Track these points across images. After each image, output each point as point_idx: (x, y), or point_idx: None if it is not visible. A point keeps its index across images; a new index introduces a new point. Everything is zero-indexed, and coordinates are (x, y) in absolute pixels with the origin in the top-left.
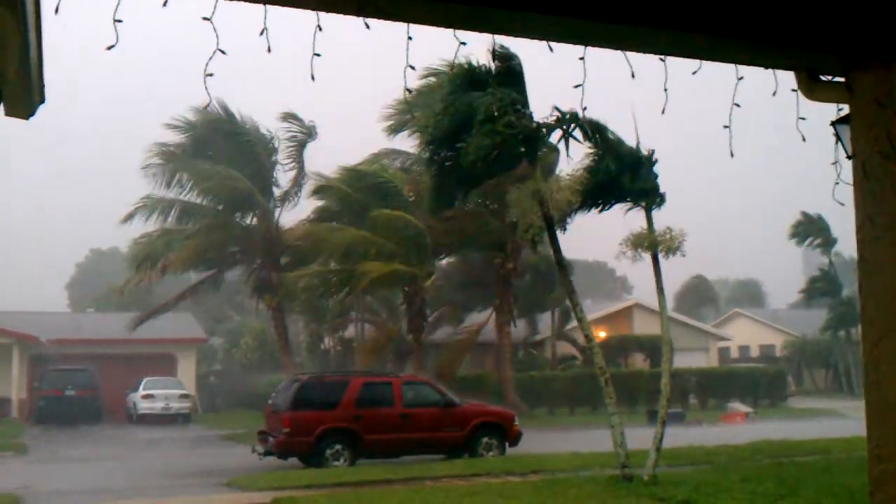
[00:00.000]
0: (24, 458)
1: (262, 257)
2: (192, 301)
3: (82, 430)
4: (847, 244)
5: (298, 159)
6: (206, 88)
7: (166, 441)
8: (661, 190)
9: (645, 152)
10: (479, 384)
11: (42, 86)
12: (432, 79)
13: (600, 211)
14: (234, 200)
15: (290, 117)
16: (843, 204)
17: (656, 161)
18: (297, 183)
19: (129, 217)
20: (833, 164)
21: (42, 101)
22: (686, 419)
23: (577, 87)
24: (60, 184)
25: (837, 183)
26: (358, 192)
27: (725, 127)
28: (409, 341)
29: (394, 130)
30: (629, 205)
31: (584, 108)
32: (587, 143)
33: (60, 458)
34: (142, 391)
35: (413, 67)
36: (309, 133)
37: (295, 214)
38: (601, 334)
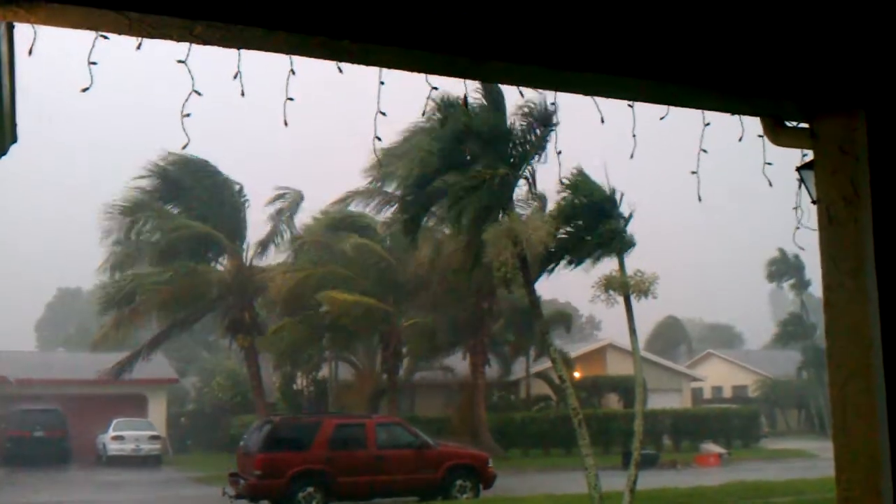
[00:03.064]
0: None
1: (234, 298)
2: (164, 342)
3: (51, 471)
4: (818, 287)
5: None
6: (183, 129)
7: (136, 483)
8: (631, 232)
9: (614, 195)
10: (452, 425)
11: (14, 125)
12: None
13: (575, 265)
14: (203, 244)
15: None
16: (803, 248)
17: (622, 198)
18: (277, 236)
19: (107, 265)
20: (794, 208)
21: (14, 140)
22: (660, 460)
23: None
24: (28, 222)
25: (798, 227)
26: (336, 232)
27: (693, 172)
28: (384, 382)
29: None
30: (601, 252)
31: (559, 152)
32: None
33: (28, 502)
34: (111, 432)
35: (384, 114)
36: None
37: (270, 255)
38: (575, 375)
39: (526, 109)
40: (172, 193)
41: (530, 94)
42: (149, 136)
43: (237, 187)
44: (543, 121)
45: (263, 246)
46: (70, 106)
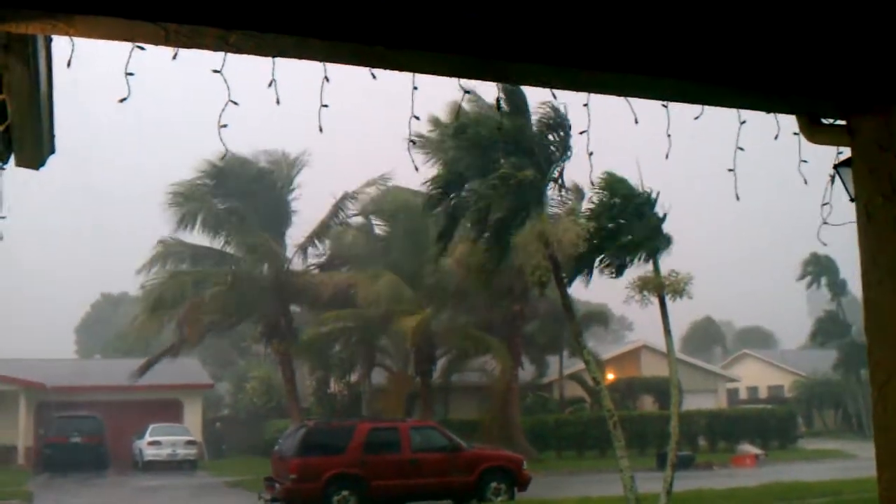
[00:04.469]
0: None
1: (271, 303)
2: (199, 347)
3: (88, 477)
4: (854, 285)
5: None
6: (220, 139)
7: (172, 488)
8: (666, 232)
9: (648, 195)
10: (486, 428)
11: (52, 136)
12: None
13: (615, 275)
14: (247, 248)
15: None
16: (825, 244)
17: (656, 199)
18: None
19: (148, 265)
20: (823, 205)
21: (52, 151)
22: (696, 462)
23: (582, 133)
24: (71, 229)
25: (843, 224)
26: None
27: (730, 170)
28: (418, 385)
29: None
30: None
31: (591, 153)
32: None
33: None
34: (148, 438)
35: (418, 118)
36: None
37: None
38: (609, 376)
39: (548, 110)
40: (220, 194)
41: (546, 95)
42: (196, 141)
43: (284, 191)
44: (564, 125)
45: (310, 241)
46: (111, 115)
